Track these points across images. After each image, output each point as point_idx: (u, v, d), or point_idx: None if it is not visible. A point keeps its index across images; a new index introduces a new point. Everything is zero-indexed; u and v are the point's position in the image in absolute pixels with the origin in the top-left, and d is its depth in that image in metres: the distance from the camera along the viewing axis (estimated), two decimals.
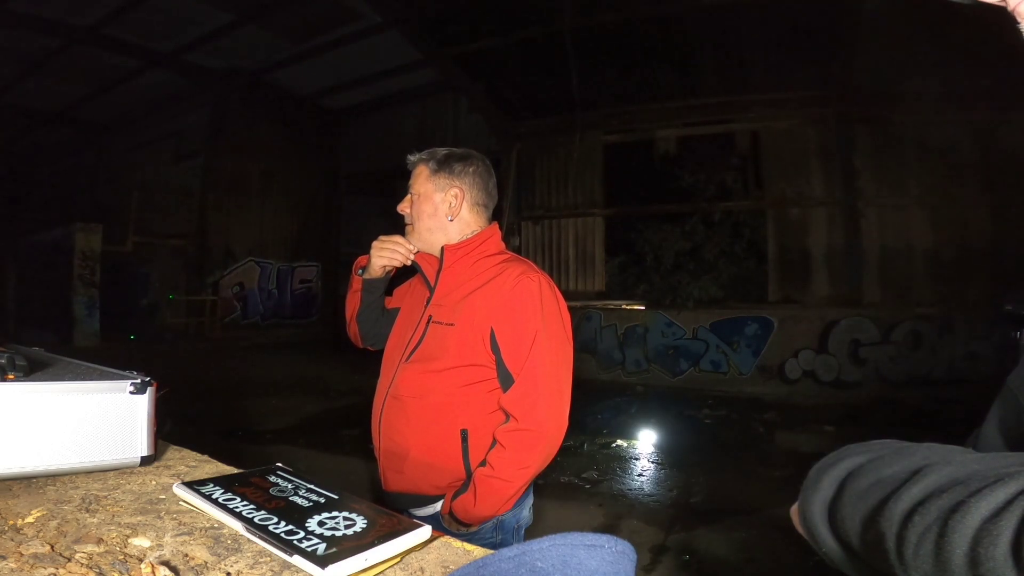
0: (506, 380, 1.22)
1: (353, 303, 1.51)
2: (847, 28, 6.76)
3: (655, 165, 9.14)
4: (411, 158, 1.40)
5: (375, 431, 1.36)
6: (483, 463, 1.20)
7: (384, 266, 1.41)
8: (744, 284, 8.86)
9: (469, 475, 1.23)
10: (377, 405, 1.36)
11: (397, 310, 1.49)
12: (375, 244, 1.41)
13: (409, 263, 1.40)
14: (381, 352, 1.47)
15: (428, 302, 1.34)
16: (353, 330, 1.55)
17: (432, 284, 1.35)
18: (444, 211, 1.34)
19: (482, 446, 1.23)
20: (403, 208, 1.40)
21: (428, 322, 1.31)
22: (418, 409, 1.27)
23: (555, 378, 1.21)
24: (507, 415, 1.21)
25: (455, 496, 1.22)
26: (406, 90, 10.66)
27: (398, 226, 1.42)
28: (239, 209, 10.90)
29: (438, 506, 1.28)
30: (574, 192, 9.46)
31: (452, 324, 1.26)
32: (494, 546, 1.26)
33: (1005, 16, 0.45)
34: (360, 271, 1.48)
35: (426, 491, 1.29)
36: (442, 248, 1.34)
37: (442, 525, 1.26)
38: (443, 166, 1.35)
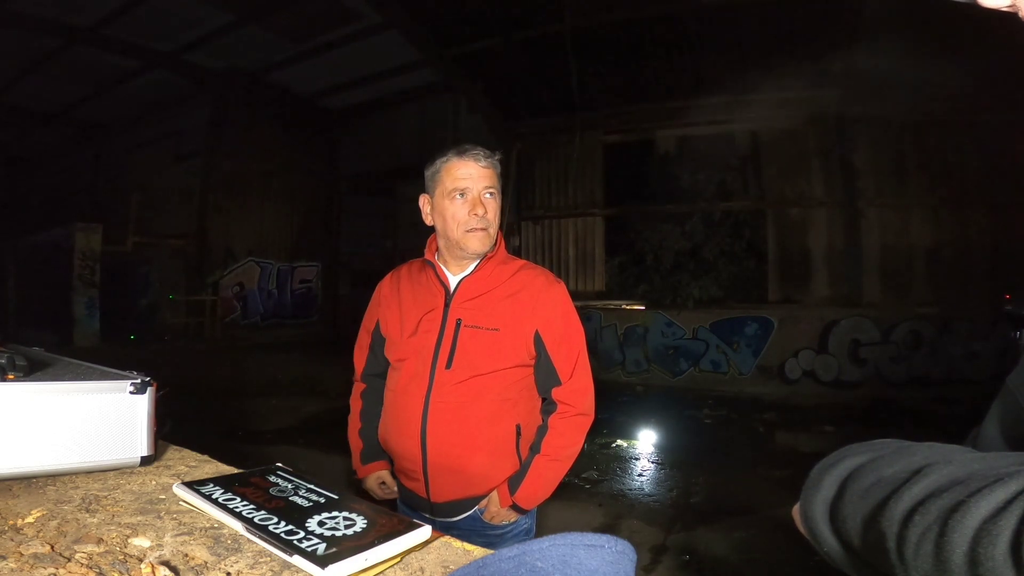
0: (550, 374, 1.30)
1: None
2: (847, 28, 6.76)
3: (655, 165, 9.14)
4: (478, 152, 1.26)
5: (411, 446, 1.29)
6: (537, 451, 1.28)
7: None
8: (744, 284, 8.85)
9: (521, 466, 1.30)
10: (413, 418, 1.28)
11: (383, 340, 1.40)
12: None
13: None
14: None
15: (448, 305, 1.30)
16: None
17: (451, 286, 1.32)
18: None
19: (528, 436, 1.32)
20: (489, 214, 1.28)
21: (457, 326, 1.27)
22: (475, 413, 1.26)
23: (589, 368, 1.36)
24: (555, 404, 1.30)
25: (515, 487, 1.27)
26: (406, 90, 10.64)
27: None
28: (239, 209, 10.87)
29: (482, 502, 1.32)
30: (574, 192, 9.46)
31: (497, 329, 1.26)
32: (527, 533, 1.34)
33: (1016, 21, 0.41)
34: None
35: (483, 492, 1.30)
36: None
37: (480, 521, 1.30)
38: (498, 167, 1.32)
